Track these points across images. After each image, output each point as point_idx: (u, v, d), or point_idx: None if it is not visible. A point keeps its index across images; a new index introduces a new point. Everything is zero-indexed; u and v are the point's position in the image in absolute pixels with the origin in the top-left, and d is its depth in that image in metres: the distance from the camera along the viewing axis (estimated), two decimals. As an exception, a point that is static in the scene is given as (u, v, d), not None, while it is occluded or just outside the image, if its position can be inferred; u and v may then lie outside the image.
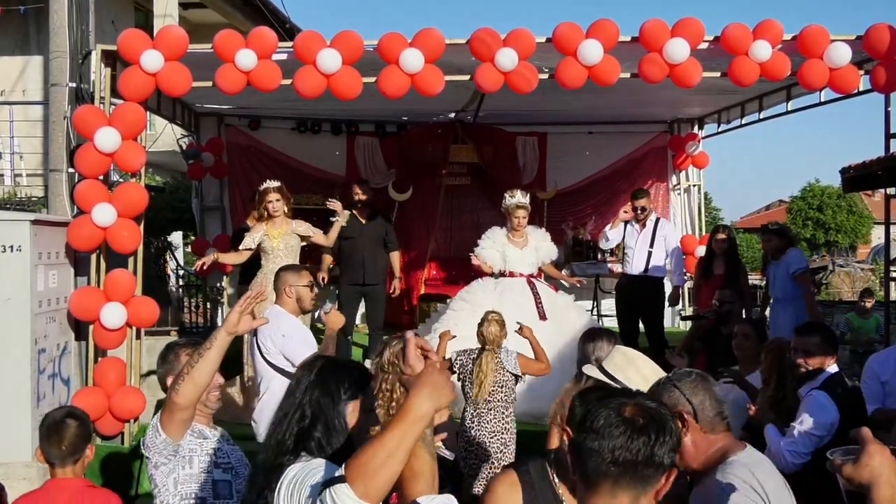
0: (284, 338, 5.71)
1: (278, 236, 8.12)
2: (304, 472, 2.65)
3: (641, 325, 9.81)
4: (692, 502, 3.13)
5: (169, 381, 3.76)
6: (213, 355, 3.39)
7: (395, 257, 9.73)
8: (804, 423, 4.74)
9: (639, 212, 9.62)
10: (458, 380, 6.26)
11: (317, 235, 8.36)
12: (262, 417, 5.53)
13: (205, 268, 8.55)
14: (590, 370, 3.78)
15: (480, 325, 6.35)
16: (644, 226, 9.62)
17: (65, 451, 4.28)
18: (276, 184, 8.20)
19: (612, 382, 3.79)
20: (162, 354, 4.09)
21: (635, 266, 9.57)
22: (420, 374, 2.38)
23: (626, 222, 9.86)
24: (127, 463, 7.33)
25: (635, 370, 3.80)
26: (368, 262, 9.39)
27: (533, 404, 7.56)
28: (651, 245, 9.53)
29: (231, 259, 8.55)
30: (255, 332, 5.76)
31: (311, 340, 5.98)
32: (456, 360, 6.30)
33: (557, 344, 7.74)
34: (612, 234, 9.87)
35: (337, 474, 2.27)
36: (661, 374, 3.79)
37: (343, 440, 2.86)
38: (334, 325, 5.78)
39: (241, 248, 8.23)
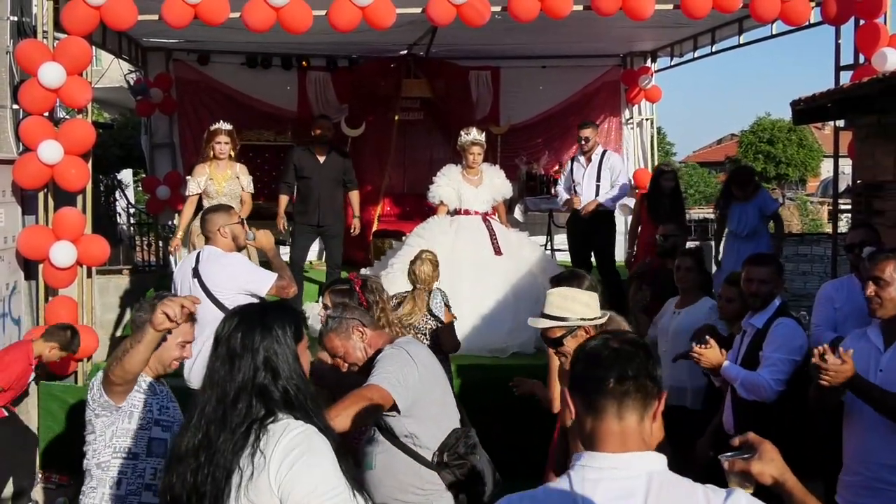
0: (239, 269, 5.68)
1: (223, 180, 8.04)
2: (304, 440, 2.62)
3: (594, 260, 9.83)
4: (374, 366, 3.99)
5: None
6: (142, 350, 3.44)
7: (355, 197, 9.54)
8: (780, 349, 4.80)
9: (583, 143, 9.55)
10: None
11: (246, 195, 8.28)
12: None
13: (178, 251, 8.38)
14: (534, 322, 3.98)
15: (413, 263, 6.30)
16: (590, 160, 9.57)
17: None
18: (227, 127, 8.13)
19: (560, 323, 3.93)
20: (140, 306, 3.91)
21: (584, 200, 9.50)
22: None
23: (572, 158, 9.87)
24: (81, 402, 7.28)
25: (574, 302, 3.96)
26: (325, 201, 9.18)
27: (490, 339, 7.67)
28: (598, 178, 9.49)
29: (188, 215, 8.33)
30: (198, 281, 5.65)
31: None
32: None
33: (513, 279, 7.83)
34: (561, 187, 10.01)
35: None
36: (596, 297, 4.00)
37: (311, 388, 2.81)
38: (268, 245, 5.81)
39: (187, 194, 8.13)
